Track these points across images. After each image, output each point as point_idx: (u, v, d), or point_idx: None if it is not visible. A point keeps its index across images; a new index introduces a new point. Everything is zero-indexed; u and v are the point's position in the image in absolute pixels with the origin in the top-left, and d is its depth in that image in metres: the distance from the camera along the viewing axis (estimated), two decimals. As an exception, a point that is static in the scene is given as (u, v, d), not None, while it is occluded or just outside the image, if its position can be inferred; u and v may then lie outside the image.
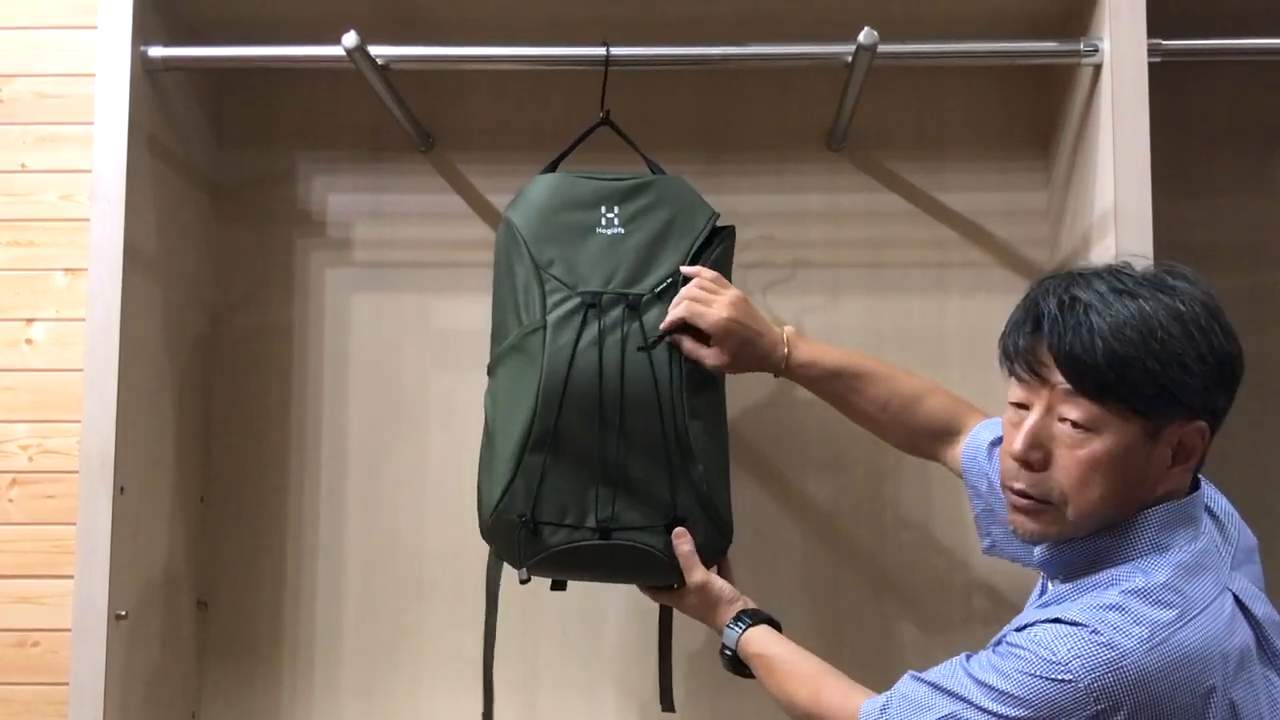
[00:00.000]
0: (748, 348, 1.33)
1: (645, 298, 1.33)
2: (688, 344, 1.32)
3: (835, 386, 1.37)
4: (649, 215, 1.36)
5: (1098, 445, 0.98)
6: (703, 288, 1.33)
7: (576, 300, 1.32)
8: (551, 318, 1.32)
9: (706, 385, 1.35)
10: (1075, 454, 0.99)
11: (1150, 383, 0.96)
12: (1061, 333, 0.98)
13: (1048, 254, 1.67)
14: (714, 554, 1.36)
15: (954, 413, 1.36)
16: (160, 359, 1.55)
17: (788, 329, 1.37)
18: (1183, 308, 0.98)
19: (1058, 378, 0.99)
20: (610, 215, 1.36)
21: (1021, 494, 1.03)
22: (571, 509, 1.31)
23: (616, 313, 1.32)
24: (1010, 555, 1.29)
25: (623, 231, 1.36)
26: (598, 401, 1.29)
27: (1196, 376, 0.96)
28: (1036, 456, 1.01)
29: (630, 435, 1.30)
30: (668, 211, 1.37)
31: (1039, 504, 1.02)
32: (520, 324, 1.34)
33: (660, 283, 1.34)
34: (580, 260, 1.34)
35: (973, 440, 1.31)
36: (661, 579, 1.35)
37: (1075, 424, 0.99)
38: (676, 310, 1.32)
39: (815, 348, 1.37)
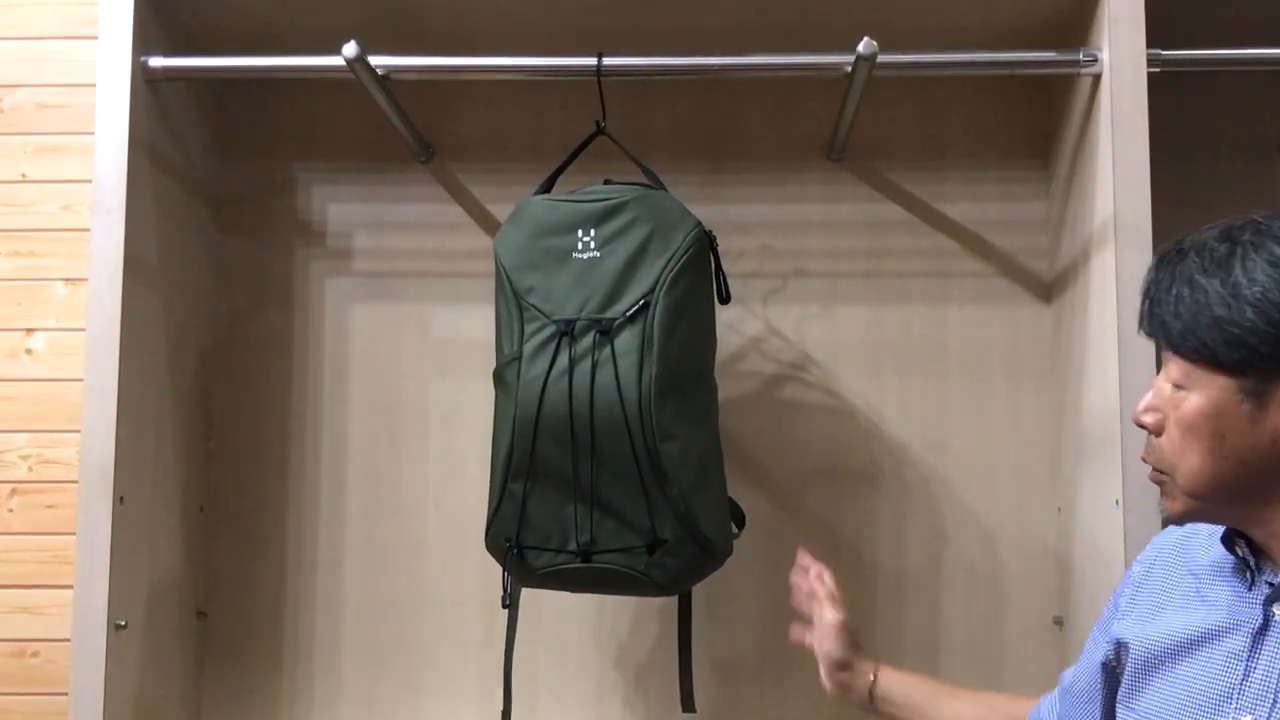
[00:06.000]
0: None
1: (617, 322, 1.32)
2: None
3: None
4: (625, 235, 1.35)
5: (1188, 405, 0.90)
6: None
7: (551, 329, 1.32)
8: (527, 348, 1.33)
9: (682, 407, 1.34)
10: (1174, 416, 0.92)
11: (1218, 332, 0.87)
12: (1149, 287, 0.93)
13: (1047, 264, 1.67)
14: (699, 574, 1.38)
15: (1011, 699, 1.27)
16: (160, 369, 1.55)
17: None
18: None
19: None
20: (586, 239, 1.35)
21: (1148, 463, 0.97)
22: (554, 534, 1.33)
23: (588, 340, 1.32)
24: None
25: (598, 255, 1.34)
26: (570, 430, 1.30)
27: None
28: (1149, 420, 0.95)
29: (604, 461, 1.31)
30: (644, 230, 1.35)
31: (1160, 474, 0.96)
32: (503, 353, 1.36)
33: (632, 305, 1.32)
34: (557, 287, 1.34)
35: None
36: (646, 594, 1.37)
37: (1175, 385, 0.92)
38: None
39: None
